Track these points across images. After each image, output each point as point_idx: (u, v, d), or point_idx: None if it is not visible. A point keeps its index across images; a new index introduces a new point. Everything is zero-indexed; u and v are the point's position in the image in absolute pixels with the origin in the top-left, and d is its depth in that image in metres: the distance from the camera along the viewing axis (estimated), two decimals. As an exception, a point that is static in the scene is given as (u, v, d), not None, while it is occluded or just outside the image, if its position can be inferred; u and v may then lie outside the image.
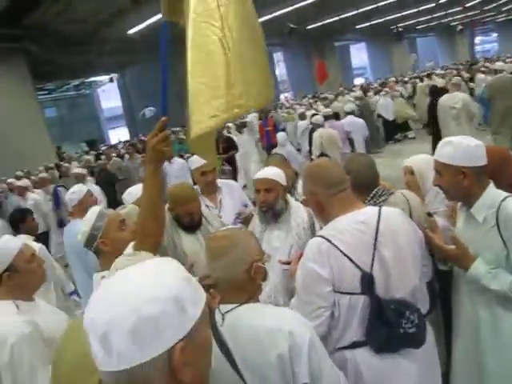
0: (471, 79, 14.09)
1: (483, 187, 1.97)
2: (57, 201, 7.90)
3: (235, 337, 1.43)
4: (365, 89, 18.48)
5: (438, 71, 19.05)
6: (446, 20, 34.43)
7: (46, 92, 28.81)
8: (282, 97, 30.36)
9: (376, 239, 1.78)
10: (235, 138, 9.88)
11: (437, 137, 7.55)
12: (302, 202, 2.81)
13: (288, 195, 2.81)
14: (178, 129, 14.59)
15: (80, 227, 2.32)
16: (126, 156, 12.26)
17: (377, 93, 14.94)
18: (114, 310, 0.83)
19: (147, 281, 0.88)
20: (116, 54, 20.12)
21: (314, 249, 1.79)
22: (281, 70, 35.17)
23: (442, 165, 2.00)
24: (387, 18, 27.76)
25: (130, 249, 1.97)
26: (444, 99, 7.42)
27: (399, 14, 27.24)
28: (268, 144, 10.43)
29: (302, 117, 11.30)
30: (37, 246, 4.07)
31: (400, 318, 1.72)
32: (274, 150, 8.11)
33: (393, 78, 19.44)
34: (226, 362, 1.41)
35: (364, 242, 1.77)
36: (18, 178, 10.17)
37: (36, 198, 8.04)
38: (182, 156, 9.28)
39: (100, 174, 9.32)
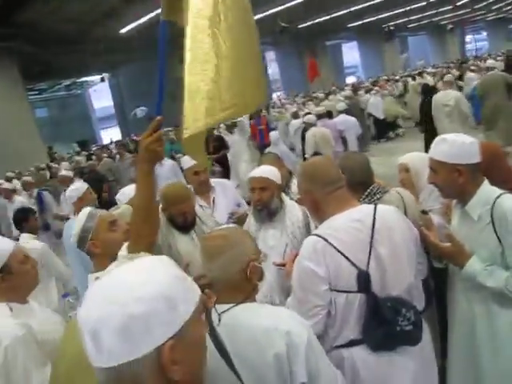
0: (460, 77, 14.18)
1: (478, 184, 1.98)
2: (41, 205, 7.78)
3: (232, 337, 1.42)
4: (356, 87, 18.55)
5: (430, 70, 19.16)
6: (437, 19, 34.62)
7: (36, 92, 28.61)
8: (274, 96, 30.36)
9: (372, 237, 1.77)
10: (226, 138, 9.85)
11: (429, 135, 7.59)
12: (296, 201, 2.81)
13: (283, 194, 2.80)
14: (170, 129, 14.56)
15: None
16: (118, 157, 12.21)
17: (367, 91, 15.02)
18: (104, 308, 0.85)
19: (138, 279, 0.89)
20: (108, 54, 20.02)
21: (310, 247, 1.78)
22: (273, 69, 35.17)
23: (437, 162, 2.00)
24: (379, 16, 27.85)
25: (123, 250, 1.95)
26: (437, 97, 7.47)
27: (390, 13, 27.33)
28: (261, 143, 10.42)
29: (295, 116, 11.30)
30: (39, 245, 4.08)
31: (396, 315, 1.72)
32: (267, 149, 8.10)
33: (384, 77, 19.52)
34: (222, 361, 1.40)
35: (360, 240, 1.77)
36: (9, 179, 10.08)
37: (23, 201, 7.95)
38: (173, 157, 9.24)
39: (89, 174, 9.24)
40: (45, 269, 3.99)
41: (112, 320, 0.83)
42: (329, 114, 9.69)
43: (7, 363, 1.71)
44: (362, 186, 2.37)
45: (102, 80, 28.01)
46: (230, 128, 10.41)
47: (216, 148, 8.63)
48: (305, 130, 8.21)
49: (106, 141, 29.64)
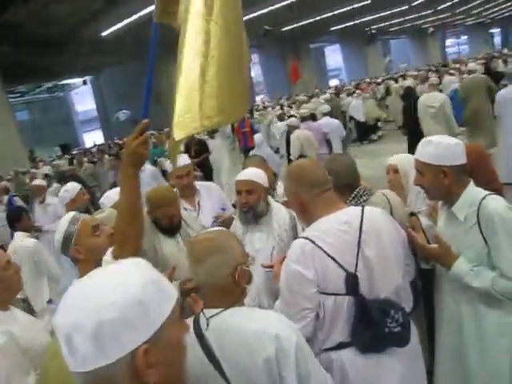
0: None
1: (463, 186, 1.99)
2: None
3: (221, 341, 1.40)
4: (338, 90, 18.71)
5: (412, 72, 19.40)
6: (419, 22, 35.10)
7: (17, 95, 28.17)
8: (257, 98, 30.41)
9: (359, 239, 1.77)
10: (207, 142, 9.82)
11: (412, 137, 7.67)
12: (283, 203, 2.80)
13: (269, 197, 2.79)
14: (154, 132, 14.47)
15: None
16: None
17: (349, 94, 15.18)
18: (76, 313, 0.86)
19: (111, 284, 0.90)
20: (90, 56, 19.83)
21: (298, 250, 1.77)
22: (256, 72, 35.23)
23: (423, 164, 2.01)
24: (361, 20, 28.13)
25: (108, 255, 1.91)
26: (423, 99, 7.56)
27: (373, 17, 27.62)
28: (245, 146, 10.41)
29: (281, 118, 11.31)
30: (32, 242, 4.04)
31: (385, 317, 1.72)
32: (252, 152, 8.10)
33: (367, 80, 19.70)
34: (211, 366, 1.38)
35: (348, 243, 1.77)
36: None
37: None
38: (155, 161, 9.19)
39: (68, 179, 9.06)
40: (37, 266, 3.94)
41: (84, 325, 0.84)
42: (313, 117, 9.72)
43: None
44: (348, 188, 2.37)
45: (85, 83, 27.73)
46: (211, 132, 10.36)
47: (197, 152, 8.59)
48: (289, 133, 8.21)
49: (88, 144, 29.33)
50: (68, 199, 3.91)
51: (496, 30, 48.49)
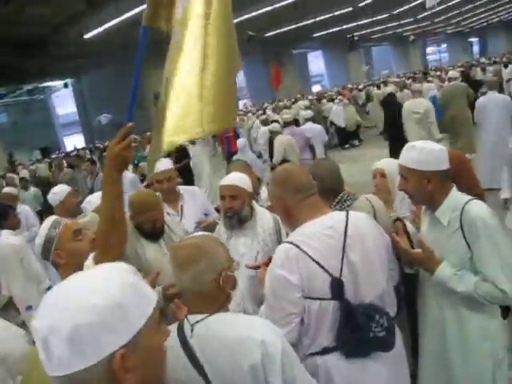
0: None
1: (446, 191, 2.01)
2: None
3: (206, 348, 1.39)
4: (320, 96, 18.88)
5: (393, 79, 19.70)
6: (400, 30, 35.63)
7: (-4, 97, 27.72)
8: (240, 103, 30.44)
9: (344, 244, 1.77)
10: (188, 148, 9.76)
11: (394, 142, 7.77)
12: (267, 208, 2.79)
13: (253, 201, 2.78)
14: (136, 137, 14.37)
15: None
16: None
17: (329, 100, 15.36)
18: (53, 316, 0.85)
19: (89, 287, 0.89)
20: (71, 59, 19.61)
21: (283, 255, 1.76)
22: (239, 77, 35.26)
23: (407, 169, 2.02)
24: (343, 27, 28.42)
25: (89, 260, 1.88)
26: (408, 104, 7.70)
27: (355, 24, 27.93)
28: (228, 151, 10.38)
29: (265, 123, 11.33)
30: (18, 241, 3.95)
31: (370, 321, 1.72)
32: (235, 157, 8.07)
33: (350, 86, 19.91)
34: (195, 373, 1.36)
35: (332, 247, 1.76)
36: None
37: None
38: (137, 165, 9.11)
39: (46, 186, 8.91)
40: (23, 265, 3.86)
41: (61, 329, 0.83)
42: (296, 122, 9.77)
43: None
44: (332, 192, 2.37)
45: (66, 86, 27.40)
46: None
47: (178, 158, 8.55)
48: (271, 138, 8.23)
49: (69, 148, 28.96)
50: (57, 201, 3.87)
51: (474, 39, 49.53)
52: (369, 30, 32.37)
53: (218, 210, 3.60)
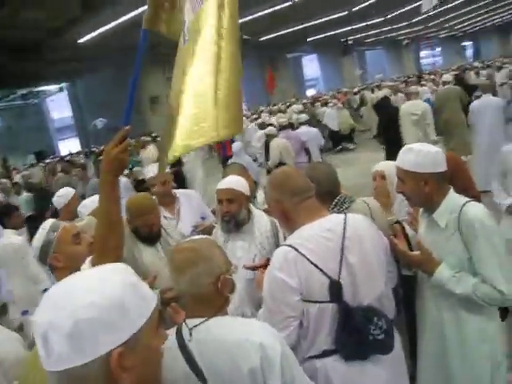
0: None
1: (444, 193, 2.02)
2: None
3: (204, 352, 1.38)
4: (314, 100, 18.96)
5: (387, 83, 19.80)
6: (394, 34, 35.81)
7: (-10, 101, 27.60)
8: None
9: (342, 246, 1.77)
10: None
11: (390, 145, 7.81)
12: (264, 211, 2.79)
13: (250, 204, 2.78)
14: (131, 141, 14.34)
15: None
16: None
17: (323, 104, 15.43)
18: (54, 313, 0.87)
19: (91, 285, 0.90)
20: (67, 63, 19.55)
21: (281, 258, 1.76)
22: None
23: (404, 172, 2.03)
24: (337, 31, 28.53)
25: (87, 264, 1.87)
26: (406, 106, 7.77)
27: (349, 28, 28.05)
28: (224, 155, 10.36)
29: (261, 126, 11.34)
30: (19, 240, 3.95)
31: (368, 324, 1.71)
32: (231, 160, 8.06)
33: (344, 89, 19.97)
34: (194, 377, 1.36)
35: (331, 250, 1.76)
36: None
37: None
38: (131, 169, 9.08)
39: (38, 192, 8.84)
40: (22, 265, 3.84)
41: (61, 324, 0.85)
42: (291, 125, 9.80)
43: None
44: (329, 195, 2.38)
45: (61, 90, 27.32)
46: None
47: (171, 164, 8.51)
48: (267, 142, 8.25)
49: (64, 152, 28.83)
50: (62, 204, 3.92)
51: (468, 43, 49.87)
52: (363, 34, 32.51)
53: (214, 212, 3.59)
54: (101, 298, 0.87)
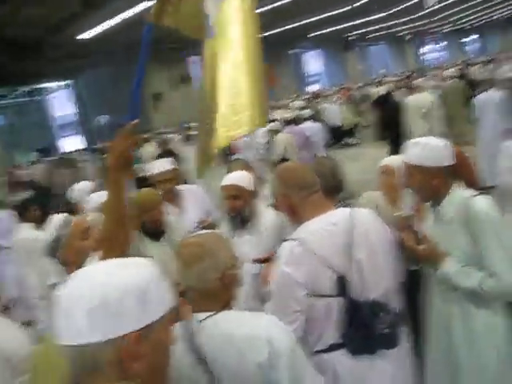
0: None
1: (451, 186, 2.01)
2: None
3: (212, 346, 1.38)
4: (316, 95, 18.97)
5: (389, 78, 19.74)
6: (397, 29, 35.64)
7: (-8, 99, 27.61)
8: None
9: (349, 240, 1.77)
10: (181, 150, 9.73)
11: (394, 141, 7.82)
12: (271, 206, 2.79)
13: (256, 200, 2.78)
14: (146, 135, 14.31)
15: None
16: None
17: (326, 100, 15.45)
18: (82, 289, 0.90)
19: (120, 269, 0.95)
20: (68, 60, 19.54)
21: (287, 252, 1.76)
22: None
23: (411, 166, 2.02)
24: (340, 26, 28.44)
25: (96, 260, 1.87)
26: (412, 99, 7.79)
27: (352, 23, 27.95)
28: (227, 151, 10.34)
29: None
30: (34, 235, 3.96)
31: (375, 318, 1.71)
32: (234, 156, 8.06)
33: (348, 85, 19.92)
34: (203, 371, 1.36)
35: (337, 244, 1.76)
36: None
37: None
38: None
39: (35, 188, 8.81)
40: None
41: (87, 300, 0.88)
42: (295, 121, 9.79)
43: None
44: (335, 190, 2.39)
45: (66, 86, 27.31)
46: (187, 140, 10.24)
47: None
48: (271, 137, 8.25)
49: (67, 149, 28.83)
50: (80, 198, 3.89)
51: (473, 37, 49.58)
52: (365, 30, 32.39)
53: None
54: (128, 282, 0.91)
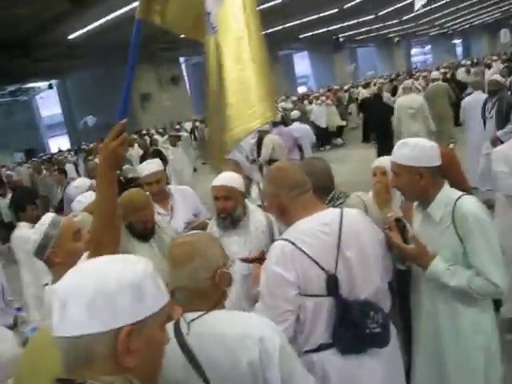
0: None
1: (438, 187, 2.03)
2: None
3: (203, 345, 1.38)
4: (303, 97, 19.06)
5: (377, 80, 19.92)
6: (385, 32, 35.93)
7: (-22, 99, 27.28)
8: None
9: (339, 240, 1.77)
10: (169, 152, 9.70)
11: (383, 142, 7.89)
12: (260, 207, 2.79)
13: (246, 200, 2.78)
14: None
15: None
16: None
17: (311, 102, 15.55)
18: (78, 281, 0.92)
19: (117, 264, 0.97)
20: (56, 60, 19.37)
21: (278, 252, 1.76)
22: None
23: (399, 166, 2.03)
24: (329, 28, 28.57)
25: (83, 260, 1.85)
26: (401, 100, 7.94)
27: (340, 25, 28.10)
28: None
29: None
30: (29, 234, 3.90)
31: (365, 318, 1.72)
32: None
33: (336, 87, 20.02)
34: (193, 370, 1.35)
35: (327, 244, 1.77)
36: None
37: None
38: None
39: (17, 189, 8.69)
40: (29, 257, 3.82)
41: (82, 291, 0.89)
42: (284, 122, 9.82)
43: None
44: (325, 191, 2.38)
45: (50, 87, 27.04)
46: (174, 141, 10.18)
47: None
48: (260, 138, 8.25)
49: (54, 150, 28.58)
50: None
51: (458, 41, 50.16)
52: (354, 32, 32.58)
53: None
54: (124, 277, 0.92)
